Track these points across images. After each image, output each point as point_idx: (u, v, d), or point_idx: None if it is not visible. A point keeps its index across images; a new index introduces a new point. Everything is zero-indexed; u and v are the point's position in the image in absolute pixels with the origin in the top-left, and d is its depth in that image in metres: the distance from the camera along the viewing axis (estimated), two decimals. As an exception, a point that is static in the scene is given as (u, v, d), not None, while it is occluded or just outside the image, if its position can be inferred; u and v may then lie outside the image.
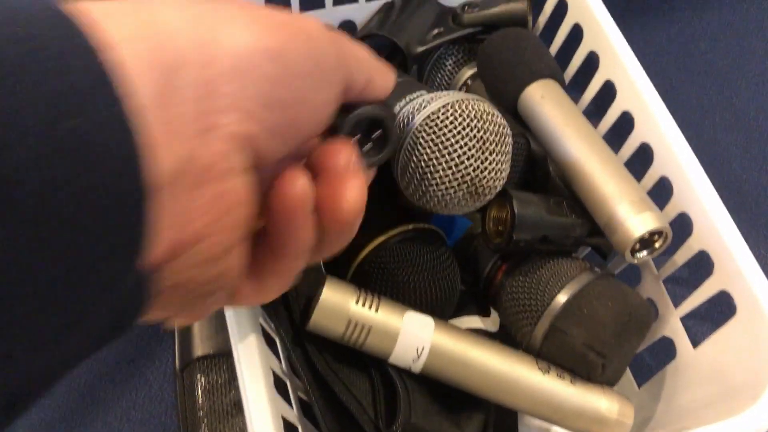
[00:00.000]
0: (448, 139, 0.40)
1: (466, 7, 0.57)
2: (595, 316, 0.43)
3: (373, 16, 0.60)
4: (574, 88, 0.54)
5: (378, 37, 0.58)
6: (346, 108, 0.27)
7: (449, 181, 0.40)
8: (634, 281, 0.51)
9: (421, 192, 0.41)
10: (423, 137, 0.40)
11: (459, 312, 0.49)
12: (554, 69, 0.52)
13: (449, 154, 0.40)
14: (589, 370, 0.43)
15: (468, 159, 0.40)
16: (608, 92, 0.51)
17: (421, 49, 0.56)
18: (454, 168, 0.40)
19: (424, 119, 0.40)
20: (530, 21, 0.56)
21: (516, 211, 0.44)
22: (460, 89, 0.57)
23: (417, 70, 0.59)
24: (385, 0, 0.60)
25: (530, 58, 0.52)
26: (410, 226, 0.47)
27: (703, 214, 0.43)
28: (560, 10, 0.55)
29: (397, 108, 0.43)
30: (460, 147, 0.40)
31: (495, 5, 0.56)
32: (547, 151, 0.50)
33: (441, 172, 0.40)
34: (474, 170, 0.40)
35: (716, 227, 0.42)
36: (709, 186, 0.44)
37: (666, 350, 0.49)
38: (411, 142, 0.40)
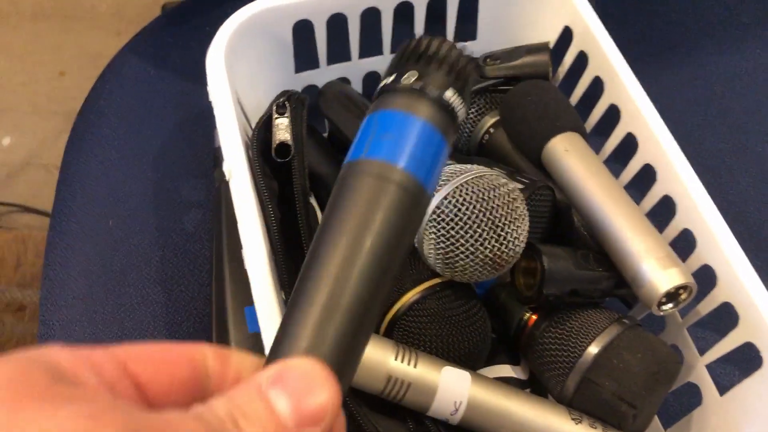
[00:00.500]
0: (457, 233, 0.43)
1: (488, 59, 0.59)
2: (626, 367, 0.45)
3: (398, 67, 0.62)
4: (595, 137, 0.56)
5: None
6: None
7: (471, 265, 0.43)
8: (657, 328, 0.52)
9: (444, 269, 0.44)
10: (435, 233, 0.42)
11: (490, 360, 0.51)
12: (577, 122, 0.54)
13: (463, 245, 0.43)
14: (620, 420, 0.45)
15: (482, 244, 0.43)
16: (629, 143, 0.53)
17: (445, 100, 0.58)
18: (471, 256, 0.43)
19: (429, 217, 0.43)
20: (551, 72, 0.58)
21: (546, 266, 0.45)
22: (482, 137, 0.59)
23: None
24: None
25: (554, 111, 0.53)
26: (439, 280, 0.48)
27: (727, 267, 0.45)
28: (580, 63, 0.57)
29: None
30: (471, 236, 0.42)
31: (517, 58, 0.58)
32: (572, 203, 0.51)
33: (461, 261, 0.43)
34: (491, 251, 0.43)
35: (740, 281, 0.44)
36: (732, 240, 0.45)
37: (691, 394, 0.50)
38: (426, 236, 0.43)
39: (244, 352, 0.25)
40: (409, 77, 0.26)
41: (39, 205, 1.38)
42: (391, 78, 0.27)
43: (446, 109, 0.26)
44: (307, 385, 0.22)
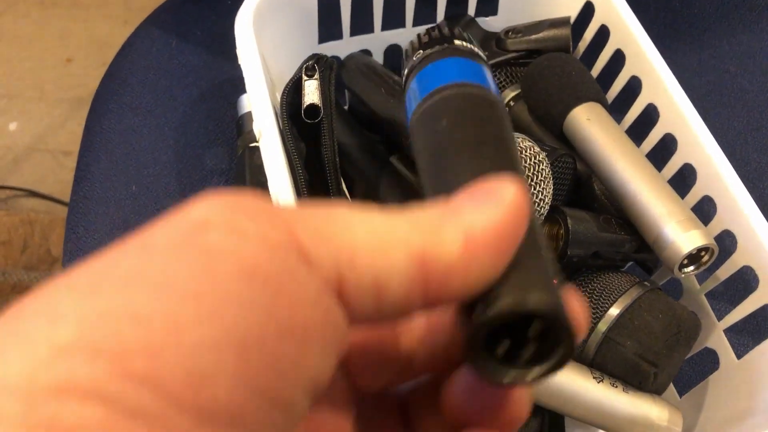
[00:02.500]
0: None
1: (510, 33, 0.60)
2: (647, 327, 0.45)
3: (420, 40, 0.63)
4: (614, 111, 0.57)
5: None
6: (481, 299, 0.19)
7: None
8: (676, 294, 0.53)
9: None
10: None
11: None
12: (599, 92, 0.54)
13: None
14: (641, 379, 0.46)
15: None
16: (649, 114, 0.54)
17: (467, 72, 0.59)
18: None
19: None
20: (571, 46, 0.59)
21: (570, 227, 0.46)
22: (502, 110, 0.60)
23: (461, 92, 0.62)
24: (430, 25, 0.63)
25: (576, 81, 0.54)
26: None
27: (748, 230, 0.46)
28: (600, 37, 0.58)
29: None
30: None
31: (538, 31, 0.59)
32: (594, 171, 0.52)
33: None
34: None
35: (761, 243, 0.45)
36: (752, 204, 0.46)
37: (706, 360, 0.51)
38: None
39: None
40: (432, 44, 0.29)
41: (45, 190, 1.38)
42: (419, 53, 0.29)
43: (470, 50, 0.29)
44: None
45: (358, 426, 0.21)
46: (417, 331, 0.21)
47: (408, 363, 0.21)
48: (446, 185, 0.22)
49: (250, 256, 0.16)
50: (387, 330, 0.21)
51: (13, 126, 1.49)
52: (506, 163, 0.23)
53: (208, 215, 0.17)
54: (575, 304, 0.19)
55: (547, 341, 0.19)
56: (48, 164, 1.45)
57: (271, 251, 0.16)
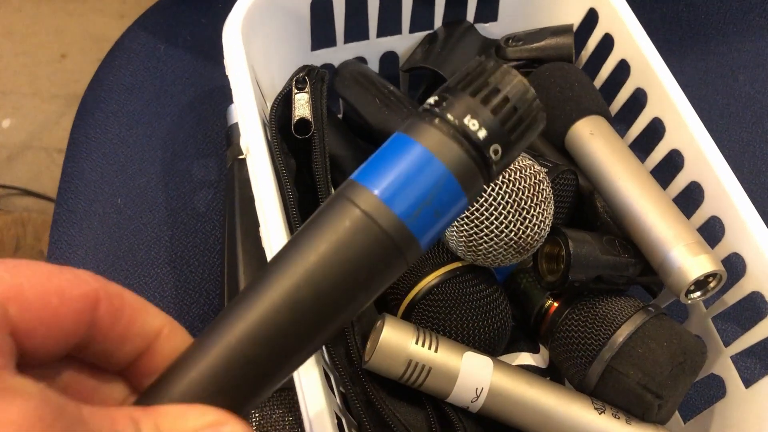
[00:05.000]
0: (482, 214, 0.41)
1: (510, 41, 0.58)
2: (652, 356, 0.43)
3: (416, 48, 0.60)
4: (618, 123, 0.55)
5: (422, 69, 0.58)
6: None
7: (494, 249, 0.42)
8: (682, 317, 0.51)
9: (467, 253, 0.43)
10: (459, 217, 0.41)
11: (509, 348, 0.50)
12: (602, 105, 0.52)
13: (487, 227, 0.41)
14: (644, 410, 0.44)
15: (507, 227, 0.41)
16: (655, 128, 0.51)
17: (465, 82, 0.56)
18: (495, 239, 0.41)
19: None
20: (574, 55, 0.57)
21: (572, 251, 0.44)
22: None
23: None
24: (428, 31, 0.61)
25: (578, 94, 0.52)
26: (459, 264, 0.47)
27: (759, 256, 0.44)
28: (604, 45, 0.56)
29: None
30: (496, 218, 0.41)
31: (539, 40, 0.57)
32: (596, 188, 0.50)
33: (485, 244, 0.41)
34: (515, 234, 0.42)
35: (771, 269, 0.43)
36: (762, 226, 0.44)
37: (712, 385, 0.49)
38: None
39: (153, 310, 0.24)
40: (449, 105, 0.21)
41: (39, 189, 1.36)
42: (433, 100, 0.22)
43: (481, 156, 0.21)
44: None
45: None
46: None
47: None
48: None
49: None
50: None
51: (6, 123, 1.47)
52: None
53: None
54: None
55: None
56: (42, 162, 1.44)
57: None
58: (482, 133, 0.21)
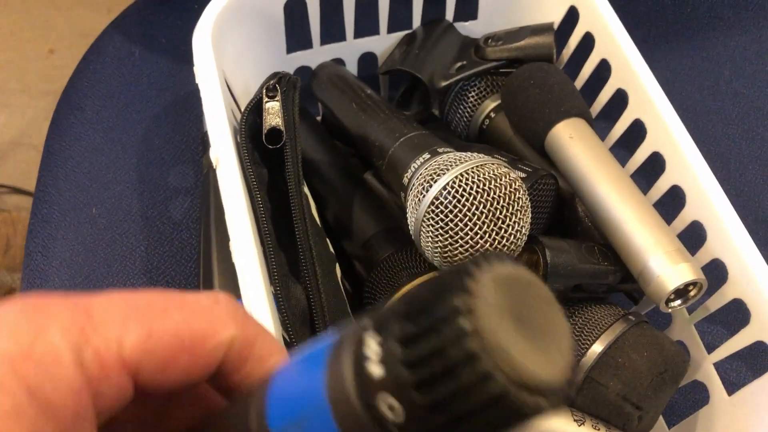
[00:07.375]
0: (456, 225, 0.40)
1: (489, 40, 0.56)
2: (632, 366, 0.43)
3: (394, 49, 0.59)
4: (600, 123, 0.53)
5: (400, 72, 0.57)
6: None
7: (470, 258, 0.41)
8: (663, 323, 0.50)
9: (443, 263, 0.42)
10: (432, 225, 0.40)
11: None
12: (582, 107, 0.51)
13: (462, 238, 0.40)
14: (624, 421, 0.43)
15: (482, 237, 0.40)
16: (637, 130, 0.50)
17: (444, 83, 0.55)
18: (471, 249, 0.40)
19: (427, 209, 0.40)
20: (555, 55, 0.55)
21: (549, 260, 0.43)
22: (482, 122, 0.56)
23: (438, 102, 0.59)
24: (407, 31, 0.60)
25: (558, 95, 0.51)
26: (436, 274, 0.46)
27: (739, 263, 0.43)
28: (585, 45, 0.55)
29: (411, 168, 0.43)
30: (471, 229, 0.40)
31: (519, 39, 0.55)
32: (577, 192, 0.49)
33: (459, 255, 0.40)
34: (491, 245, 0.41)
35: (753, 276, 0.42)
36: (745, 234, 0.43)
37: (697, 392, 0.48)
38: (423, 228, 0.40)
39: (268, 336, 0.22)
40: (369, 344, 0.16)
41: (29, 187, 1.35)
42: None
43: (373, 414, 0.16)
44: None
45: None
46: None
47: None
48: None
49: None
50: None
51: (-6, 120, 1.46)
52: None
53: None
54: None
55: None
56: (33, 159, 1.42)
57: None
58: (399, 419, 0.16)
